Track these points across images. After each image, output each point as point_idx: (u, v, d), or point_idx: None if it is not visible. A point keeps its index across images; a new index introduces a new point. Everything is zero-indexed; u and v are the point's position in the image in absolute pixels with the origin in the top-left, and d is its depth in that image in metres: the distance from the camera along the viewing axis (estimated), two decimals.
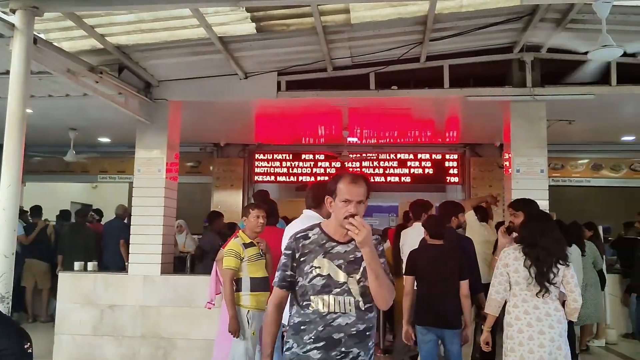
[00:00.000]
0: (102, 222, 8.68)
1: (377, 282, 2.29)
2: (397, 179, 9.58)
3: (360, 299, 2.34)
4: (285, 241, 2.84)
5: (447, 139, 9.23)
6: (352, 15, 4.86)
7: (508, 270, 3.63)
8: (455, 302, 4.06)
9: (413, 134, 9.01)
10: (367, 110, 7.18)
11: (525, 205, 4.12)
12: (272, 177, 9.93)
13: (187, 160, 9.80)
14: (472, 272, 4.32)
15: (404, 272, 4.50)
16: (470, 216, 5.43)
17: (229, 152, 9.95)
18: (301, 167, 9.86)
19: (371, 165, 9.69)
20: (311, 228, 2.47)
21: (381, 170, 9.66)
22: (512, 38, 5.66)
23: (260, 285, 4.16)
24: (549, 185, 9.65)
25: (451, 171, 9.49)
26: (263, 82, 6.08)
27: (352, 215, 2.26)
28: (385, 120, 7.96)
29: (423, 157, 9.59)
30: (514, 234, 4.08)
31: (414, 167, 9.57)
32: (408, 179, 9.53)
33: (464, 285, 4.07)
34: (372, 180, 9.67)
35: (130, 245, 6.24)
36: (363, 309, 2.34)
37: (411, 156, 9.61)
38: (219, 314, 4.94)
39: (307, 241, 2.41)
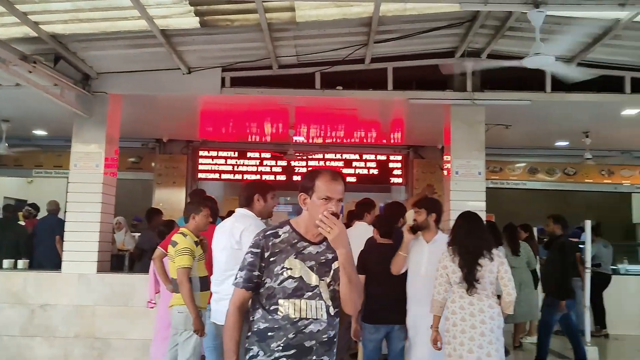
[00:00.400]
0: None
1: (350, 286, 2.20)
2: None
3: (330, 303, 2.22)
4: (246, 239, 2.86)
5: (392, 141, 9.37)
6: (298, 14, 4.86)
7: (447, 271, 3.80)
8: (403, 299, 4.12)
9: (359, 135, 9.11)
10: (313, 109, 7.20)
11: (429, 204, 4.22)
12: (217, 175, 9.77)
13: (128, 155, 9.51)
14: None
15: None
16: (410, 215, 5.51)
17: (172, 148, 9.72)
18: (246, 165, 9.75)
19: (317, 165, 9.70)
20: (281, 226, 2.30)
21: None
22: (454, 43, 5.81)
23: (205, 284, 4.10)
24: (488, 188, 10.05)
25: (395, 172, 9.64)
26: (207, 77, 6.00)
27: (335, 214, 2.13)
28: (332, 120, 8.00)
29: (368, 158, 9.69)
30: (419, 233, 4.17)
31: (359, 168, 9.66)
32: (353, 179, 9.60)
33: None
34: None
35: (64, 242, 6.01)
36: (332, 314, 2.22)
37: (357, 156, 9.69)
38: (156, 313, 4.84)
39: (278, 240, 2.24)
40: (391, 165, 9.68)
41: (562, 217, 8.15)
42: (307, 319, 2.16)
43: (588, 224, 6.58)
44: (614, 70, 5.91)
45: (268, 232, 2.27)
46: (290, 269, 2.18)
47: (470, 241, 3.75)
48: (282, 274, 2.17)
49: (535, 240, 7.98)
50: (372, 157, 9.69)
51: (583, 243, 9.12)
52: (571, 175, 9.64)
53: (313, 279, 2.19)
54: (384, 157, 9.69)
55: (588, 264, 6.58)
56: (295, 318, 2.15)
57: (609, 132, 7.95)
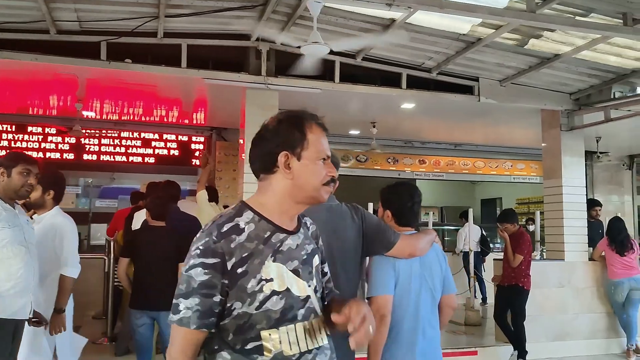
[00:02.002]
0: None
1: None
2: (140, 159, 9.15)
3: (324, 317, 1.57)
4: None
5: (195, 121, 9.16)
6: None
7: None
8: (172, 284, 3.99)
9: (159, 113, 8.72)
10: (106, 82, 6.67)
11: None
12: None
13: None
14: None
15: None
16: (201, 196, 5.42)
17: None
18: (27, 141, 8.70)
19: (111, 143, 9.08)
20: (238, 213, 1.51)
21: (123, 150, 9.12)
22: (249, 26, 5.82)
23: None
24: None
25: (197, 154, 9.45)
26: None
27: (334, 180, 1.58)
28: (128, 95, 7.52)
29: (169, 138, 9.34)
30: None
31: (159, 148, 9.26)
32: (152, 160, 9.19)
33: (181, 267, 4.04)
34: (113, 160, 9.09)
35: None
36: (328, 332, 1.59)
37: (156, 136, 9.27)
38: None
39: (242, 237, 1.46)
40: (193, 146, 9.47)
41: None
42: (309, 351, 1.48)
43: (371, 208, 7.16)
44: (393, 66, 6.47)
45: (225, 228, 1.46)
46: (271, 279, 1.44)
47: None
48: (260, 290, 1.43)
49: None
50: (173, 137, 9.36)
51: None
52: (363, 162, 10.44)
53: (302, 287, 1.50)
54: (185, 138, 9.43)
55: None
56: (294, 356, 1.46)
57: (393, 123, 8.75)
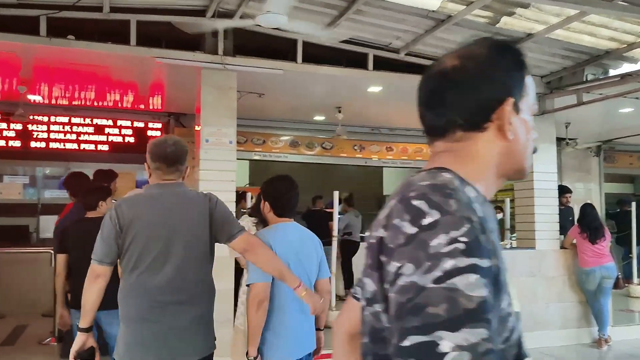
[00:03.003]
0: None
1: None
2: (92, 146, 8.60)
3: None
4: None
5: (151, 106, 8.65)
6: None
7: None
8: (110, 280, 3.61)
9: (113, 98, 8.18)
10: (46, 62, 6.12)
11: None
12: None
13: None
14: None
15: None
16: None
17: None
18: None
19: (62, 129, 8.49)
20: (461, 185, 0.93)
21: (74, 136, 8.55)
22: (204, 1, 5.39)
23: None
24: (253, 160, 10.08)
25: None
26: None
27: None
28: (78, 78, 6.98)
29: (124, 124, 8.79)
30: None
31: (113, 135, 8.70)
32: (106, 147, 8.65)
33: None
34: (63, 147, 8.51)
35: None
36: None
37: (110, 122, 8.72)
38: None
39: (490, 225, 0.91)
40: (150, 133, 8.93)
41: (319, 196, 8.68)
42: None
43: (336, 195, 6.84)
44: (359, 46, 6.13)
45: (477, 216, 0.87)
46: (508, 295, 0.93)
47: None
48: (508, 313, 0.92)
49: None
50: (129, 123, 8.82)
51: (340, 214, 9.76)
52: (328, 149, 10.09)
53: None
54: (141, 124, 8.90)
55: (335, 232, 6.85)
56: None
57: (359, 108, 8.43)
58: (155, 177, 2.53)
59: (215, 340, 2.56)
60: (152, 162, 2.54)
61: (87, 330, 2.39)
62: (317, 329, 2.81)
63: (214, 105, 5.62)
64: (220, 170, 5.52)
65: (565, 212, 7.27)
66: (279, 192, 2.78)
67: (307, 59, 6.00)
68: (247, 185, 11.83)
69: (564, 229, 6.88)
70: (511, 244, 7.87)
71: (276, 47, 5.98)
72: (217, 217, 2.51)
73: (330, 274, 2.97)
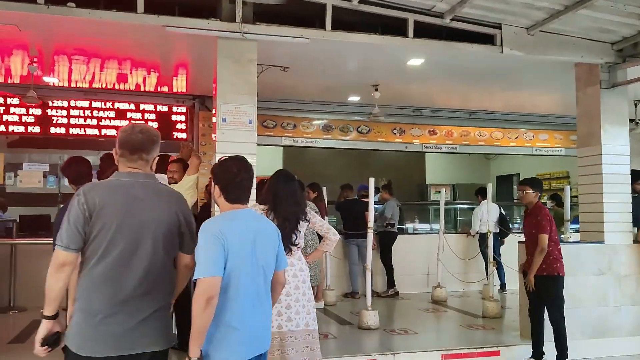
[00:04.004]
0: None
1: None
2: (114, 132, 8.12)
3: None
4: None
5: (175, 89, 8.13)
6: None
7: None
8: None
9: (135, 80, 7.70)
10: (52, 37, 5.64)
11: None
12: None
13: None
14: None
15: None
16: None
17: None
18: None
19: (82, 114, 8.04)
20: None
21: (95, 122, 8.09)
22: None
23: None
24: (284, 146, 9.42)
25: (179, 126, 8.40)
26: None
27: None
28: (93, 57, 6.50)
29: (146, 109, 8.28)
30: None
31: (135, 120, 8.20)
32: None
33: None
34: (83, 132, 8.06)
35: None
36: None
37: (132, 106, 8.22)
38: None
39: None
40: (174, 117, 8.41)
41: (349, 185, 7.99)
42: None
43: (372, 182, 6.11)
44: (397, 10, 5.35)
45: None
46: None
47: (289, 208, 3.49)
48: None
49: (324, 201, 7.49)
50: (151, 107, 8.30)
51: (376, 203, 9.03)
52: (365, 133, 9.33)
53: None
54: (165, 108, 8.36)
55: (371, 223, 6.13)
56: None
57: (398, 87, 7.65)
58: (121, 165, 2.44)
59: (175, 334, 2.53)
60: (118, 148, 2.45)
61: (52, 317, 2.29)
62: None
63: (232, 80, 4.97)
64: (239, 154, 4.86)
65: (638, 201, 6.28)
66: (230, 174, 2.52)
67: (337, 27, 5.27)
68: None
69: (637, 221, 5.94)
70: (571, 236, 6.93)
71: (302, 13, 5.26)
72: (185, 225, 2.47)
73: (287, 265, 2.82)
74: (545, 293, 4.85)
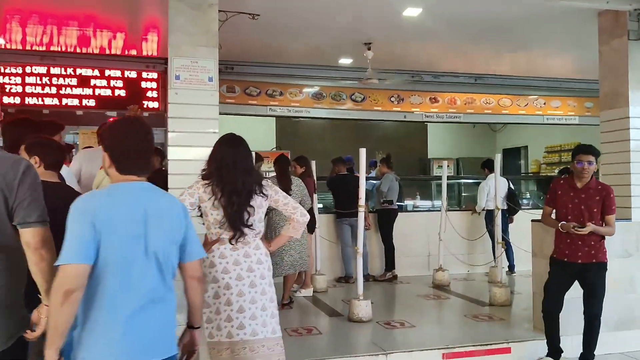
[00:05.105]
0: None
1: None
2: (76, 101, 7.31)
3: None
4: None
5: (145, 52, 7.29)
6: None
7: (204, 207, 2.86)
8: None
9: (99, 43, 6.88)
10: None
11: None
12: None
13: None
14: None
15: None
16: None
17: None
18: None
19: (39, 82, 7.21)
20: None
21: (54, 90, 7.26)
22: None
23: None
24: (271, 115, 8.57)
25: (149, 94, 7.56)
26: None
27: None
28: (55, 18, 5.71)
29: (113, 75, 7.44)
30: None
31: (100, 87, 7.37)
32: (92, 103, 7.34)
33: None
34: (41, 102, 7.23)
35: None
36: None
37: (96, 72, 7.38)
38: None
39: None
40: (144, 85, 7.57)
41: (341, 158, 7.22)
42: None
43: (363, 153, 5.29)
44: None
45: None
46: None
47: (239, 177, 2.81)
48: None
49: (313, 176, 6.68)
50: (118, 73, 7.46)
51: (373, 178, 8.23)
52: (359, 102, 8.47)
53: None
54: (134, 74, 7.52)
55: (362, 200, 5.34)
56: None
57: (394, 47, 6.81)
58: None
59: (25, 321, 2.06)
60: None
61: None
62: (190, 327, 2.28)
63: (188, 29, 4.12)
64: (197, 119, 4.05)
65: None
66: (118, 139, 2.07)
67: None
68: (275, 150, 10.43)
69: None
70: None
71: None
72: (22, 189, 1.99)
73: (204, 254, 2.28)
74: (595, 282, 4.04)
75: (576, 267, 4.05)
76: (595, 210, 4.01)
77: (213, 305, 2.80)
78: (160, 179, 4.11)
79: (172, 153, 4.03)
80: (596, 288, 4.05)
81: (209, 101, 4.12)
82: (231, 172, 2.81)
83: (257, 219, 2.89)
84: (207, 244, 2.87)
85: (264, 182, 2.96)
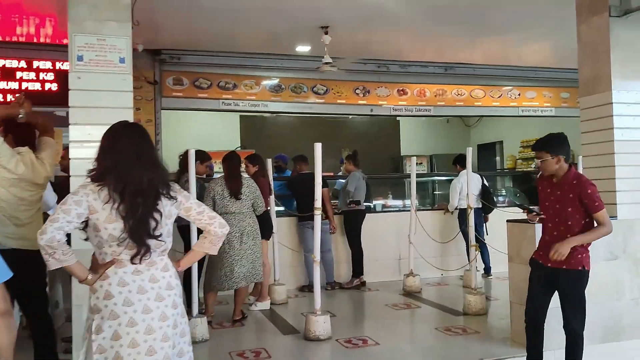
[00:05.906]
0: None
1: None
2: (0, 97, 6.57)
3: None
4: None
5: None
6: None
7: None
8: None
9: (25, 30, 6.17)
10: None
11: None
12: None
13: None
14: None
15: None
16: None
17: None
18: None
19: None
20: None
21: None
22: None
23: None
24: (222, 110, 7.83)
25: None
26: None
27: None
28: None
29: (42, 67, 6.71)
30: None
31: (28, 81, 6.66)
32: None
33: None
34: None
35: None
36: None
37: (23, 64, 6.62)
38: None
39: None
40: None
41: (303, 156, 6.64)
42: None
43: (318, 148, 4.66)
44: None
45: None
46: None
47: (143, 172, 2.19)
48: None
49: (268, 177, 6.04)
50: (49, 65, 6.72)
51: (340, 177, 7.63)
52: (321, 94, 7.84)
53: None
54: (66, 66, 6.76)
55: (318, 203, 4.72)
56: None
57: (355, 31, 6.18)
58: None
59: None
60: None
61: None
62: None
63: (91, 1, 3.43)
64: (106, 108, 3.36)
65: None
66: None
67: None
68: (239, 149, 9.74)
69: None
70: None
71: None
72: None
73: None
74: (567, 292, 3.45)
75: (548, 270, 3.47)
76: (570, 209, 3.43)
77: (111, 349, 2.14)
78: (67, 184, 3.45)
79: (75, 151, 3.36)
80: (570, 298, 3.45)
81: (121, 87, 3.44)
82: (130, 167, 2.18)
83: (166, 232, 2.26)
84: (99, 267, 2.21)
85: (171, 183, 2.33)
